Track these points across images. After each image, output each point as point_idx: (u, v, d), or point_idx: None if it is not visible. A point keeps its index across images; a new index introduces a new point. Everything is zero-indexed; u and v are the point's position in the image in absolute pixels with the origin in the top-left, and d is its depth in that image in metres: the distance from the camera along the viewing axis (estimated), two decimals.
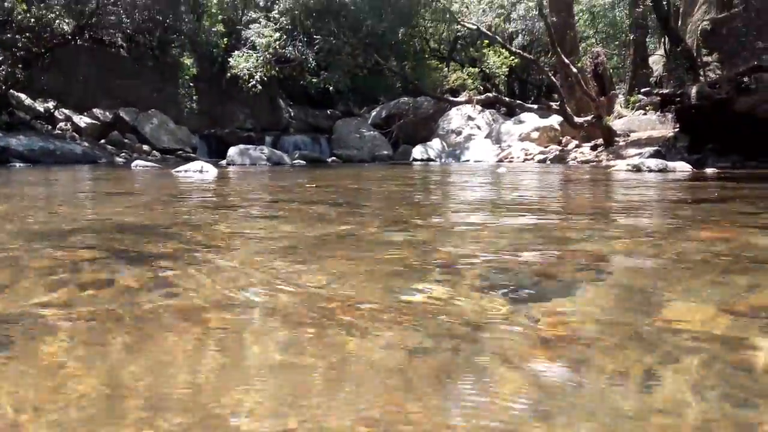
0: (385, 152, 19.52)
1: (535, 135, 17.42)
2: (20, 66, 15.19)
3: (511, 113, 20.15)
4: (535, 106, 17.73)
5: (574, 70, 15.38)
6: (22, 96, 16.13)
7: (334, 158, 18.32)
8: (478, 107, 19.35)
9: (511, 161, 16.01)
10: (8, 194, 5.69)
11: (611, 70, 19.87)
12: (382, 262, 2.13)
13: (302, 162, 15.55)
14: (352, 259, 2.18)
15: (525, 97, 23.87)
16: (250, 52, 18.14)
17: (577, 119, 15.39)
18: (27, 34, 15.17)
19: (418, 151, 18.39)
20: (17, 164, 12.12)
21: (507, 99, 19.55)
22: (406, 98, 21.20)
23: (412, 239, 2.69)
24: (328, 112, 23.21)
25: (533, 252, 2.36)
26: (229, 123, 20.22)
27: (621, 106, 18.32)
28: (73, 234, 2.79)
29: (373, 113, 21.98)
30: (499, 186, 7.14)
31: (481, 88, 22.74)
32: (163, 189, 6.38)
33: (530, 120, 18.16)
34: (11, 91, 15.33)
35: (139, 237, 2.72)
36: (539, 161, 15.40)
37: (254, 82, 17.79)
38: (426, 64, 22.57)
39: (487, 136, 19.04)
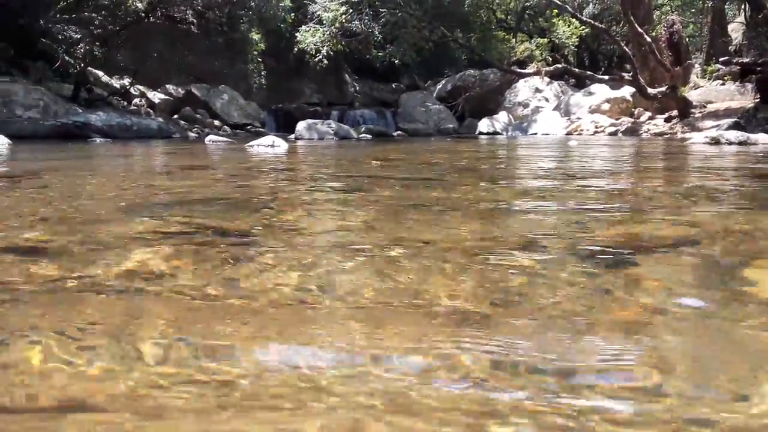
0: (451, 125, 19.46)
1: (605, 107, 17.01)
2: (97, 43, 15.70)
3: (580, 85, 19.73)
4: (606, 77, 17.28)
5: (648, 39, 14.92)
6: (99, 73, 16.72)
7: (399, 132, 18.36)
8: (546, 79, 19.05)
9: (580, 134, 15.70)
10: (106, 169, 5.96)
11: (687, 39, 19.17)
12: None
13: (368, 136, 15.63)
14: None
15: (595, 68, 23.20)
16: (317, 26, 18.26)
17: (650, 90, 14.96)
18: (103, 12, 15.62)
19: (484, 125, 18.26)
20: (97, 139, 12.58)
21: (577, 70, 19.13)
22: (472, 71, 21.03)
23: None
24: (393, 85, 23.25)
25: None
26: (296, 98, 20.52)
27: (697, 77, 17.73)
28: (174, 206, 2.92)
29: (439, 86, 21.88)
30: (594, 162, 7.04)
31: (550, 59, 22.27)
32: (240, 162, 6.56)
33: (600, 91, 17.72)
34: (89, 68, 15.87)
35: (229, 209, 2.83)
36: (610, 134, 15.07)
37: (321, 56, 17.96)
38: (492, 36, 22.21)
39: (555, 109, 18.71)
